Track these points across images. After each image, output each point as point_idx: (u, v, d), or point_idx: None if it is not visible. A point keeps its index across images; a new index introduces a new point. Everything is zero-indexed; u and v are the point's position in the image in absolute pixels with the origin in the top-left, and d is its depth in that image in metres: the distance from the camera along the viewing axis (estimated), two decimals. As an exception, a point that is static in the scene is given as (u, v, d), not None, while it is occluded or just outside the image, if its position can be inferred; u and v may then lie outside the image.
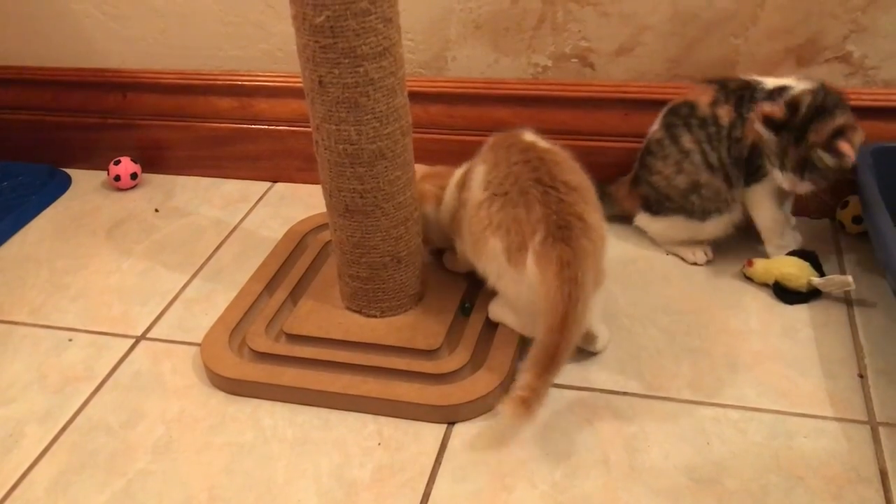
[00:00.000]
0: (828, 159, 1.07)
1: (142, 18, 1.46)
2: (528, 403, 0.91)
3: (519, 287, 0.98)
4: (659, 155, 1.19)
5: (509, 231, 0.97)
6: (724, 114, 1.14)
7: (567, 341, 0.91)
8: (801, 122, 1.08)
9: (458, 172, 1.12)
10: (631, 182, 1.26)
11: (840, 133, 1.06)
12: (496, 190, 1.00)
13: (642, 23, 1.25)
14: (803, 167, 1.09)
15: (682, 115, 1.18)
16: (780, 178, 1.11)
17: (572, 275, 0.92)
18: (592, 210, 0.99)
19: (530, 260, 0.95)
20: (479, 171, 1.04)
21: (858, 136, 1.08)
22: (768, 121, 1.08)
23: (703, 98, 1.15)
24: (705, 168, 1.16)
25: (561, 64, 1.32)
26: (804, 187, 1.11)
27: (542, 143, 1.05)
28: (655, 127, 1.21)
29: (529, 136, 1.06)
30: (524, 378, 0.92)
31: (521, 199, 0.97)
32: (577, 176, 1.02)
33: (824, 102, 1.08)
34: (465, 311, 1.11)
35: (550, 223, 0.95)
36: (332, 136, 0.98)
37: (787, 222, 1.20)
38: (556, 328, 0.91)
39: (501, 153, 1.03)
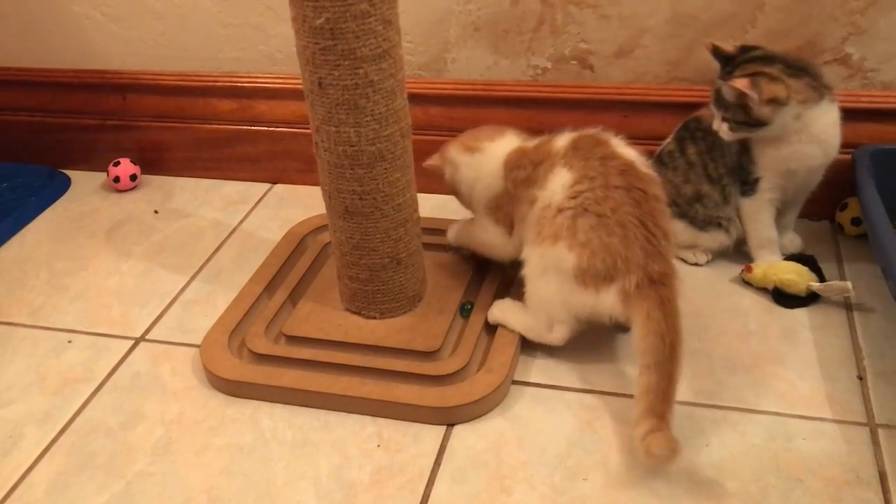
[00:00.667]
0: (727, 91, 1.07)
1: (141, 20, 1.46)
2: (670, 436, 0.88)
3: (572, 298, 0.99)
4: (670, 166, 1.19)
5: (595, 255, 0.96)
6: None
7: (679, 368, 0.92)
8: (739, 62, 1.09)
9: (507, 148, 1.08)
10: None
11: (757, 76, 1.06)
12: (590, 206, 0.97)
13: (641, 25, 1.25)
14: (718, 101, 1.10)
15: (690, 129, 1.19)
16: (716, 123, 1.13)
17: (672, 309, 0.94)
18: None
19: (616, 298, 0.96)
20: (561, 174, 1.00)
21: (774, 88, 1.05)
22: (716, 51, 1.11)
23: (707, 112, 1.16)
24: (706, 179, 1.17)
25: (560, 66, 1.32)
26: (724, 130, 1.11)
27: (639, 162, 1.01)
28: (668, 140, 1.22)
29: (620, 146, 1.02)
30: (653, 415, 0.89)
31: (619, 232, 0.96)
32: (670, 221, 1.01)
33: (773, 56, 1.09)
34: (464, 312, 1.11)
35: (648, 272, 0.95)
36: (332, 137, 0.98)
37: (777, 240, 1.19)
38: (669, 359, 0.91)
39: (595, 165, 0.99)
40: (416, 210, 1.09)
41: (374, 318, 1.11)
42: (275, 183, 1.53)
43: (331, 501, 0.91)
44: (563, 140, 1.04)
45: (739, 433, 0.95)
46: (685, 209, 1.19)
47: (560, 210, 0.99)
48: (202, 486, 0.94)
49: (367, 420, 1.01)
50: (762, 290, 1.16)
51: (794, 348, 1.07)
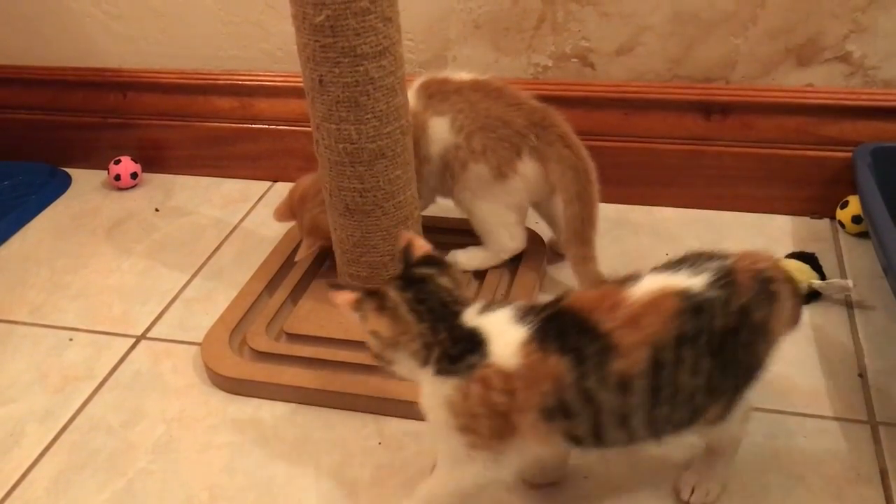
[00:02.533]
0: None
1: (142, 18, 1.46)
2: (593, 263, 1.07)
3: (507, 198, 1.11)
4: None
5: (495, 150, 1.08)
6: None
7: (596, 192, 1.07)
8: None
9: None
10: None
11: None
12: (471, 126, 1.08)
13: (642, 23, 1.25)
14: None
15: None
16: None
17: (574, 142, 1.08)
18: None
19: (532, 162, 1.08)
20: (437, 123, 1.10)
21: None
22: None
23: None
24: None
25: (561, 64, 1.32)
26: None
27: (476, 76, 1.13)
28: None
29: (454, 75, 1.13)
30: (580, 240, 1.08)
31: (499, 122, 1.08)
32: (521, 92, 1.13)
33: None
34: None
35: (537, 125, 1.08)
36: (333, 135, 0.98)
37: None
38: (586, 187, 1.07)
39: (455, 99, 1.10)
40: (417, 208, 1.09)
41: (375, 315, 1.11)
42: (275, 181, 1.53)
43: (332, 499, 0.91)
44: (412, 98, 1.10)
45: (740, 431, 0.95)
46: None
47: (458, 147, 1.09)
48: (203, 484, 0.94)
49: (368, 418, 1.01)
50: (763, 287, 1.16)
51: (795, 346, 1.06)
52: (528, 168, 1.09)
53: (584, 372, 0.72)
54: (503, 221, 1.15)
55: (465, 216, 1.18)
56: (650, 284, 0.75)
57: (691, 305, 0.73)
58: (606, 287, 0.78)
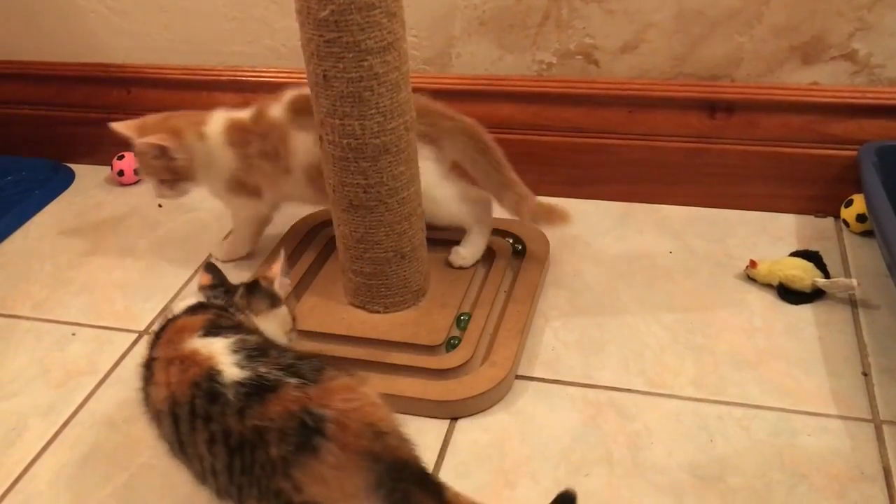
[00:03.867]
0: None
1: (146, 13, 1.46)
2: (530, 198, 1.13)
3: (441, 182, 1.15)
4: None
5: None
6: None
7: (496, 151, 1.15)
8: None
9: (219, 127, 1.17)
10: None
11: None
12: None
13: (647, 20, 1.25)
14: None
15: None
16: None
17: (455, 117, 1.16)
18: None
19: (419, 146, 1.09)
20: (305, 137, 1.11)
21: None
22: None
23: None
24: None
25: (565, 61, 1.32)
26: None
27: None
28: None
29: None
30: (506, 199, 1.16)
31: None
32: None
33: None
34: (461, 323, 1.10)
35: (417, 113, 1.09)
36: (337, 130, 0.98)
37: None
38: (479, 150, 1.14)
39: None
40: (420, 204, 1.09)
41: (378, 312, 1.11)
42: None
43: (334, 495, 0.91)
44: (276, 109, 1.14)
45: (744, 429, 0.95)
46: None
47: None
48: (205, 479, 0.94)
49: (370, 414, 1.01)
50: (767, 286, 1.16)
51: (799, 344, 1.06)
52: (423, 152, 1.10)
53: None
54: (443, 198, 1.17)
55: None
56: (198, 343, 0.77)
57: (208, 389, 0.72)
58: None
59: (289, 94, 1.15)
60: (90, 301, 1.25)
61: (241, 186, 1.20)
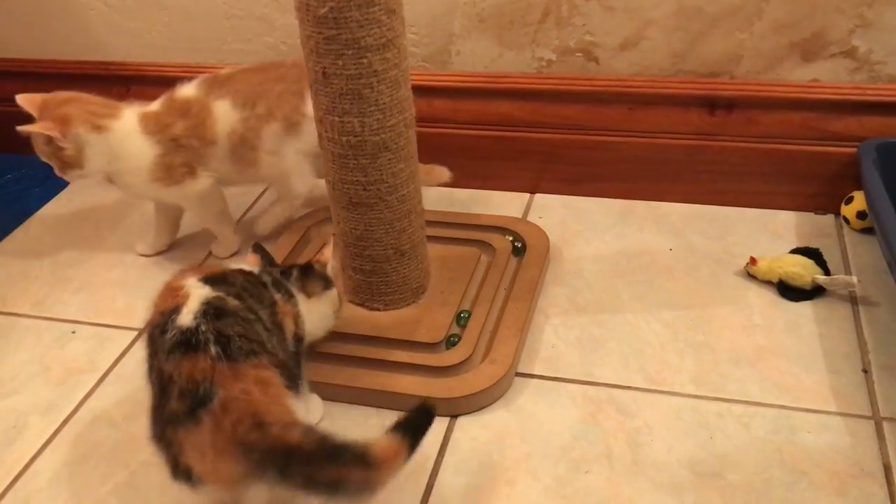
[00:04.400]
0: None
1: (146, 11, 1.46)
2: None
3: (300, 145, 1.22)
4: None
5: (279, 107, 1.20)
6: None
7: None
8: None
9: (133, 121, 1.20)
10: None
11: None
12: (251, 98, 1.19)
13: (647, 17, 1.25)
14: None
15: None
16: None
17: None
18: None
19: (311, 101, 1.12)
20: (222, 104, 1.18)
21: None
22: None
23: None
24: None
25: (565, 58, 1.32)
26: None
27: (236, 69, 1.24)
28: None
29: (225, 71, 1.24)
30: None
31: (273, 85, 1.21)
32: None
33: None
34: (461, 321, 1.10)
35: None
36: (336, 127, 0.98)
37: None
38: None
39: (231, 83, 1.21)
40: (420, 201, 1.08)
41: (378, 309, 1.11)
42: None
43: (334, 492, 0.91)
44: (188, 89, 1.21)
45: (743, 426, 0.95)
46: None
47: (245, 120, 1.18)
48: (205, 477, 0.94)
49: (370, 411, 1.01)
50: (767, 283, 1.16)
51: (799, 341, 1.06)
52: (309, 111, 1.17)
53: None
54: (299, 170, 1.24)
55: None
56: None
57: (163, 323, 0.79)
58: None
59: (198, 79, 1.22)
60: (90, 299, 1.25)
61: (169, 170, 1.20)
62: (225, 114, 1.19)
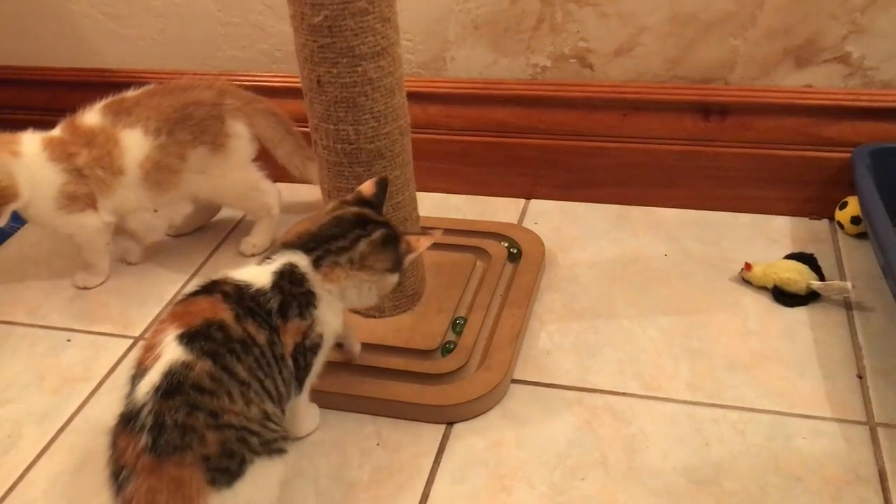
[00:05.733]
0: None
1: (140, 18, 1.46)
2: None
3: (239, 161, 1.28)
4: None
5: (203, 131, 1.23)
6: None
7: (297, 132, 1.32)
8: None
9: (36, 147, 1.19)
10: None
11: None
12: (167, 125, 1.21)
13: (641, 23, 1.25)
14: None
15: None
16: None
17: (264, 100, 1.32)
18: None
19: (231, 121, 1.25)
20: (132, 133, 1.19)
21: None
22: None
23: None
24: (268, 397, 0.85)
25: (560, 64, 1.32)
26: None
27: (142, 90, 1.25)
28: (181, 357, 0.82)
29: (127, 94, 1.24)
30: (310, 170, 1.33)
31: (190, 109, 1.24)
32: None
33: None
34: (457, 328, 1.10)
35: (225, 93, 1.27)
36: (331, 135, 0.98)
37: None
38: (287, 130, 1.32)
39: (140, 110, 1.21)
40: (416, 208, 1.09)
41: (374, 316, 1.11)
42: (274, 182, 1.52)
43: (330, 500, 0.91)
44: (92, 116, 1.21)
45: (739, 432, 0.95)
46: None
47: (163, 146, 1.19)
48: (201, 485, 0.94)
49: (366, 419, 1.01)
50: (762, 288, 1.16)
51: (794, 347, 1.06)
52: (237, 128, 1.24)
53: None
54: (252, 185, 1.29)
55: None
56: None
57: None
58: None
59: (98, 105, 1.22)
60: (85, 307, 1.24)
61: (73, 200, 1.19)
62: (136, 143, 1.19)
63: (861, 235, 1.24)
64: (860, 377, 1.02)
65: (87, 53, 1.52)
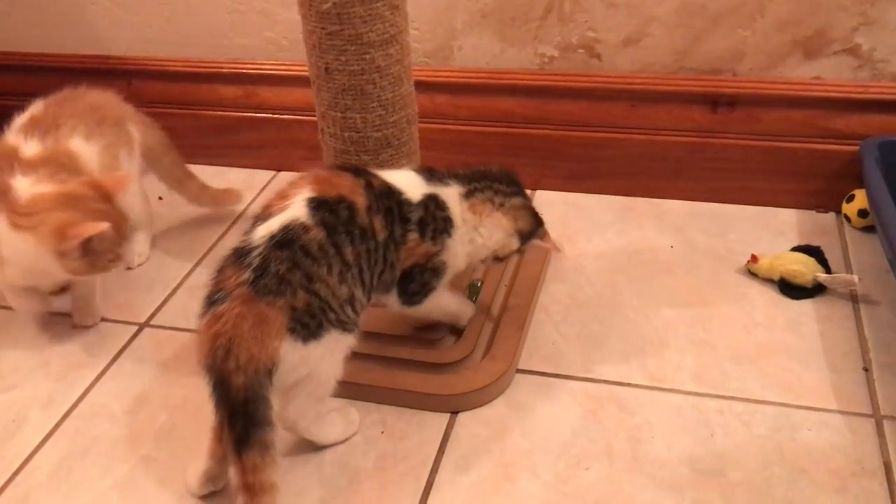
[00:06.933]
0: None
1: (147, 5, 1.46)
2: (207, 187, 1.35)
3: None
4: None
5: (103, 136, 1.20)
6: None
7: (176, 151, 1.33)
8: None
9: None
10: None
11: None
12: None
13: (649, 13, 1.25)
14: None
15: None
16: None
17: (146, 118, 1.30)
18: None
19: (116, 127, 1.22)
20: (27, 145, 1.11)
21: None
22: None
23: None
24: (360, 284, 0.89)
25: (567, 54, 1.31)
26: None
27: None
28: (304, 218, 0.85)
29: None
30: (192, 187, 1.37)
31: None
32: None
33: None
34: (473, 291, 1.10)
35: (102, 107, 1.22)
36: (338, 123, 0.98)
37: None
38: (169, 146, 1.31)
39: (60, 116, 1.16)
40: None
41: (380, 306, 1.10)
42: (280, 170, 1.53)
43: (335, 488, 0.91)
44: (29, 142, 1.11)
45: (744, 423, 0.95)
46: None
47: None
48: (206, 472, 0.94)
49: (371, 407, 1.01)
50: (768, 280, 1.15)
51: (800, 339, 1.06)
52: (135, 132, 1.24)
53: None
54: (143, 192, 1.30)
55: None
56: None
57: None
58: None
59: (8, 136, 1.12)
60: (90, 293, 1.25)
61: None
62: (86, 152, 1.13)
63: (868, 229, 1.23)
64: (866, 370, 1.01)
65: (93, 40, 1.52)
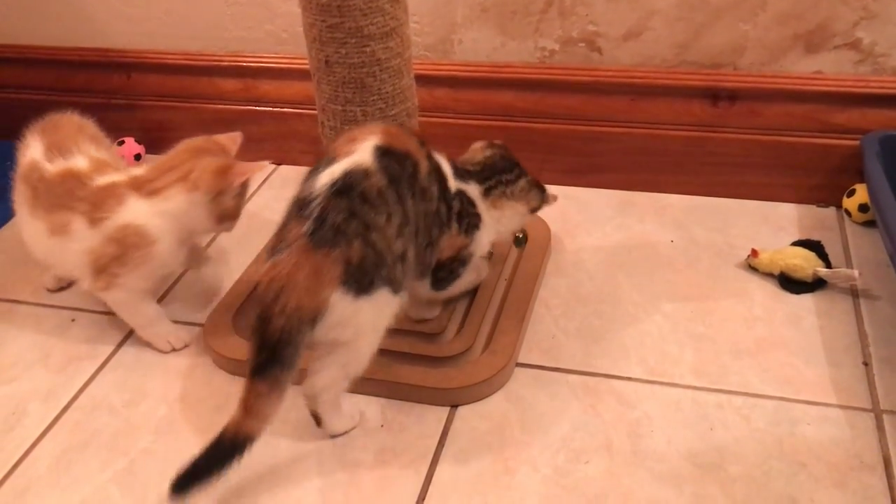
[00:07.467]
0: None
1: (147, -2, 1.46)
2: None
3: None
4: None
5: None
6: None
7: None
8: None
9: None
10: None
11: None
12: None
13: (650, 7, 1.24)
14: None
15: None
16: None
17: None
18: None
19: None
20: (33, 147, 1.13)
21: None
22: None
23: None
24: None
25: (568, 48, 1.31)
26: None
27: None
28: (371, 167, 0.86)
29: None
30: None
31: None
32: None
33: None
34: (519, 242, 1.12)
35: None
36: (338, 116, 0.97)
37: None
38: None
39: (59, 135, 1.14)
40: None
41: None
42: (279, 164, 1.53)
43: (334, 481, 0.91)
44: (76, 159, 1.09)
45: (743, 418, 0.95)
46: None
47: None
48: (205, 465, 0.94)
49: (371, 400, 1.01)
50: (768, 275, 1.15)
51: (800, 334, 1.06)
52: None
53: None
54: None
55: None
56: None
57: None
58: None
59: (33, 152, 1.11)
60: (90, 286, 1.24)
61: None
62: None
63: (868, 223, 1.23)
64: (866, 364, 1.01)
65: (92, 33, 1.51)
